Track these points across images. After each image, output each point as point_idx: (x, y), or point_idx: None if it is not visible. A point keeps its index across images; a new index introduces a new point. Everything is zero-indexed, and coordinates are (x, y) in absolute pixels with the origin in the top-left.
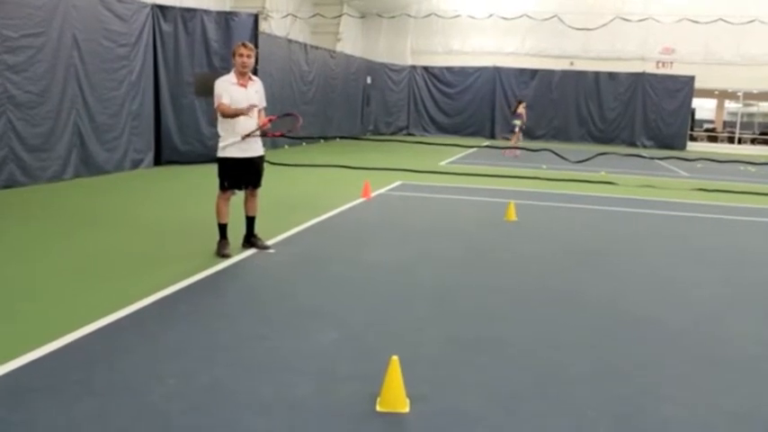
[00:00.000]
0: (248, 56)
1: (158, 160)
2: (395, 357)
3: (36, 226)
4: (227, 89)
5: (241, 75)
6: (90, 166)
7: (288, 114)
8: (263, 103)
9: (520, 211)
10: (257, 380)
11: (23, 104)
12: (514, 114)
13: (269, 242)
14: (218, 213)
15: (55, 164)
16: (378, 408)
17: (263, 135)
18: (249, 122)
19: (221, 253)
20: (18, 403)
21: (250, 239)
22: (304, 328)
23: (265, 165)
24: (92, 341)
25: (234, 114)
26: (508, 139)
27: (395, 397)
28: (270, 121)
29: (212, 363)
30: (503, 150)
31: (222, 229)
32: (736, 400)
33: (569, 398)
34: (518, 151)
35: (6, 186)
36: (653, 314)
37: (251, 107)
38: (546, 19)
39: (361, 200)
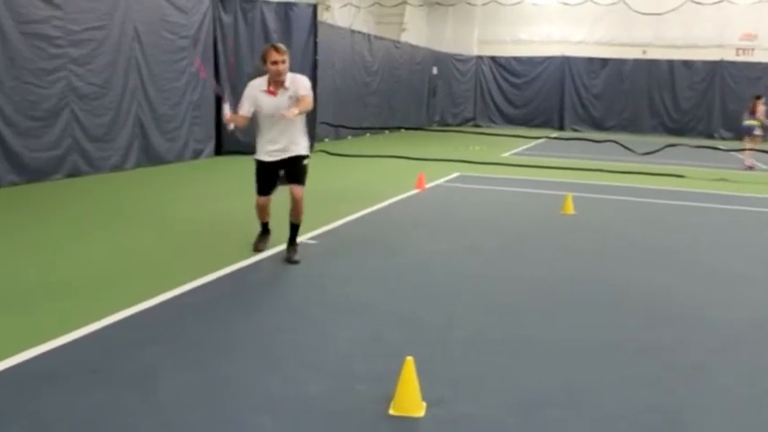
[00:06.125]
0: (282, 62)
1: (219, 150)
2: (409, 358)
3: (87, 214)
4: (254, 97)
5: (274, 82)
6: (151, 156)
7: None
8: (302, 92)
9: (579, 205)
10: (269, 375)
11: (87, 96)
12: (752, 114)
13: (314, 233)
14: (257, 213)
15: (117, 154)
16: (391, 411)
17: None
18: (283, 131)
19: (256, 247)
20: (30, 393)
21: (289, 248)
22: (329, 323)
23: (322, 155)
24: (113, 332)
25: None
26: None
27: (409, 400)
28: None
29: (228, 356)
30: (743, 159)
31: (263, 225)
32: None
33: (598, 406)
34: (752, 159)
35: (70, 175)
36: (707, 316)
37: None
38: (611, 4)
39: (414, 191)
